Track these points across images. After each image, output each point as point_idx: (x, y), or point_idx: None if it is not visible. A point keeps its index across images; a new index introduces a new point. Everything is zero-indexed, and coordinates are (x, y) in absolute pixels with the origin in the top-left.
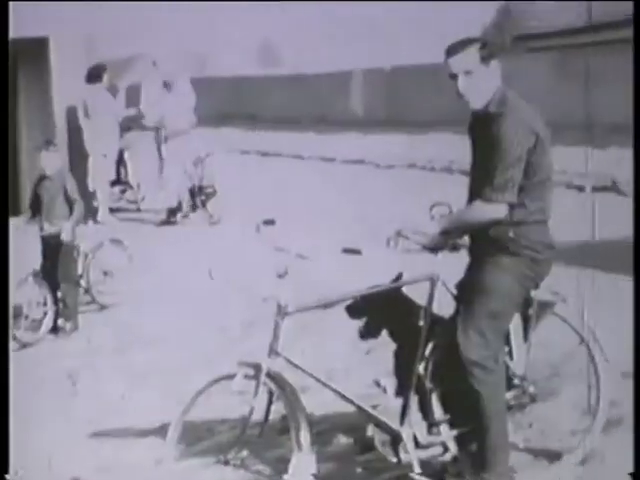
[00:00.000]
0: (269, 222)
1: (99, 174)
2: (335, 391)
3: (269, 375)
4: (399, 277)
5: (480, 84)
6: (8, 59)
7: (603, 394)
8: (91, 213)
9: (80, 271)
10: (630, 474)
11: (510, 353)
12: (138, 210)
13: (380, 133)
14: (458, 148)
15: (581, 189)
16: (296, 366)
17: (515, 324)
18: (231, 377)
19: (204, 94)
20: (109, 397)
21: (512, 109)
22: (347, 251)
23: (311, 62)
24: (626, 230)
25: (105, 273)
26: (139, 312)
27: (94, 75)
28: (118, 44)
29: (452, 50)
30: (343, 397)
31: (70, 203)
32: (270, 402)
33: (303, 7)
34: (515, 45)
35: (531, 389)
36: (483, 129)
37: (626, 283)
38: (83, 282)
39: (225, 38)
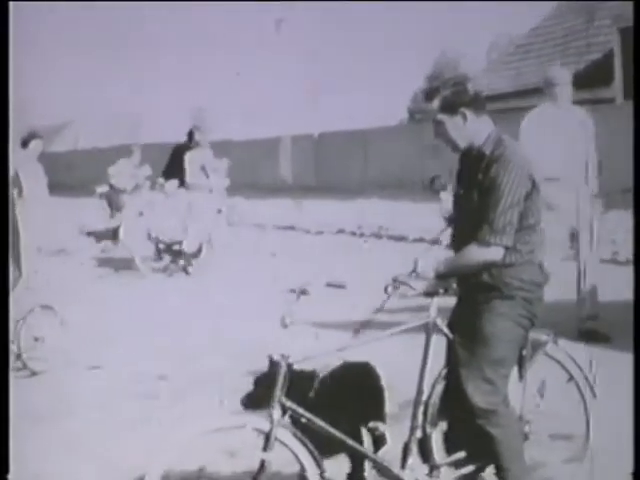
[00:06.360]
0: None
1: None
2: (339, 437)
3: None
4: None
5: (469, 125)
6: (8, 60)
7: (592, 433)
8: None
9: (11, 337)
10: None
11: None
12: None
13: (309, 199)
14: (386, 213)
15: None
16: (302, 415)
17: None
18: (240, 427)
19: None
20: (42, 465)
21: (511, 153)
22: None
23: (240, 128)
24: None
25: (36, 339)
26: (71, 377)
27: (22, 143)
28: (51, 111)
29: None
30: (345, 442)
31: None
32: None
33: (231, 75)
34: None
35: (526, 429)
36: (479, 171)
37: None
38: (14, 348)
39: (157, 105)
